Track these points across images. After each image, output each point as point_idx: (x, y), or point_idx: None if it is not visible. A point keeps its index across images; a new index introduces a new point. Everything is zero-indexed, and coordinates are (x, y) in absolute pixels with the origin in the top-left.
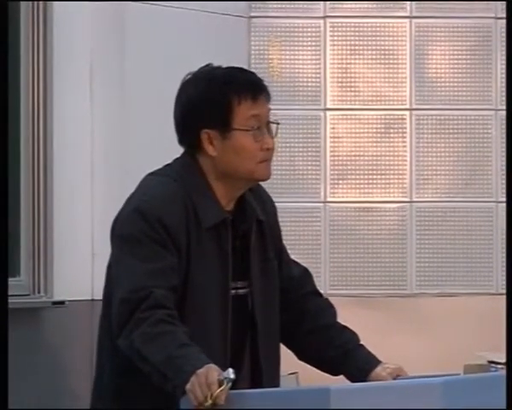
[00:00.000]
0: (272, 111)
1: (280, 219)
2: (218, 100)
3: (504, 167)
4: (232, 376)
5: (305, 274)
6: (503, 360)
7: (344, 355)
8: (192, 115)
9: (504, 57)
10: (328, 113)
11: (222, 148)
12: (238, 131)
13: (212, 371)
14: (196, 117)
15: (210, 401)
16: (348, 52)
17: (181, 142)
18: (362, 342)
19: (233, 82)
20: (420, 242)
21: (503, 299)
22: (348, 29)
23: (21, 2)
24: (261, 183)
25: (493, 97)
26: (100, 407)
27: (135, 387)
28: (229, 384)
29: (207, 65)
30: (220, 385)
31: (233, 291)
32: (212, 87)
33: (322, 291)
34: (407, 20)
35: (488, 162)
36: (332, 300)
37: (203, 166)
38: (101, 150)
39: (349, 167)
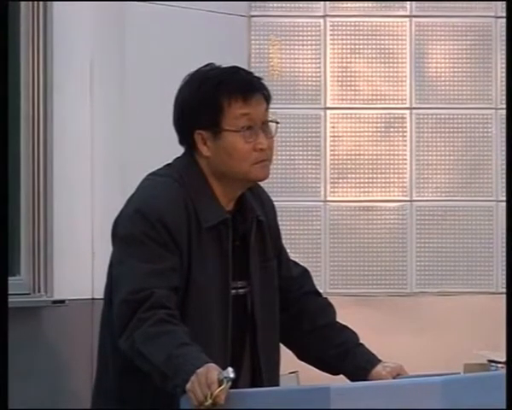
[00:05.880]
0: (272, 110)
1: (280, 219)
2: (208, 101)
3: (504, 166)
4: (232, 375)
5: (305, 274)
6: (503, 359)
7: (344, 355)
8: (186, 116)
9: (504, 56)
10: (329, 112)
11: (215, 148)
12: (228, 132)
13: (211, 371)
14: (189, 118)
15: (210, 401)
16: (348, 51)
17: (179, 141)
18: (361, 342)
19: (224, 83)
20: (420, 241)
21: (503, 298)
22: (348, 28)
23: (21, 3)
24: (261, 181)
25: (493, 96)
26: (101, 407)
27: (136, 386)
28: (229, 384)
29: (208, 65)
30: (220, 385)
31: (233, 291)
32: (202, 88)
33: (321, 290)
34: (407, 20)
35: (488, 161)
36: (332, 299)
37: (201, 166)
38: (101, 150)
39: (349, 166)
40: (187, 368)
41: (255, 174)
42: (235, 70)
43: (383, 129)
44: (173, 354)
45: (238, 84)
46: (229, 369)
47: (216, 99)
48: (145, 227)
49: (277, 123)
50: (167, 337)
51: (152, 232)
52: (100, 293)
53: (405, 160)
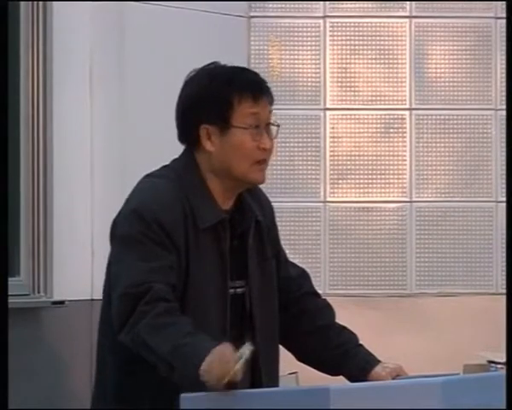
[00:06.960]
0: (272, 111)
1: (279, 219)
2: (219, 97)
3: (504, 167)
4: (248, 351)
5: (303, 275)
6: (503, 359)
7: (343, 355)
8: (193, 110)
9: (504, 57)
10: (328, 112)
11: (220, 144)
12: (236, 129)
13: (228, 348)
14: (197, 112)
15: (229, 377)
16: (348, 52)
17: (180, 137)
18: (361, 342)
19: (235, 80)
20: (419, 241)
21: (503, 299)
22: (348, 29)
23: (21, 3)
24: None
25: (493, 97)
26: (101, 406)
27: (136, 384)
28: (247, 358)
29: (212, 63)
30: (236, 362)
31: (231, 290)
32: (214, 84)
33: (321, 291)
34: (407, 20)
35: (488, 162)
36: (331, 300)
37: (200, 164)
38: (100, 150)
39: (349, 167)
40: (198, 353)
41: (254, 176)
42: (243, 69)
43: (383, 130)
44: (180, 343)
45: (249, 83)
46: (246, 344)
47: (227, 95)
48: (141, 227)
49: (278, 126)
50: (171, 328)
51: (148, 232)
52: (99, 294)
53: (405, 160)
